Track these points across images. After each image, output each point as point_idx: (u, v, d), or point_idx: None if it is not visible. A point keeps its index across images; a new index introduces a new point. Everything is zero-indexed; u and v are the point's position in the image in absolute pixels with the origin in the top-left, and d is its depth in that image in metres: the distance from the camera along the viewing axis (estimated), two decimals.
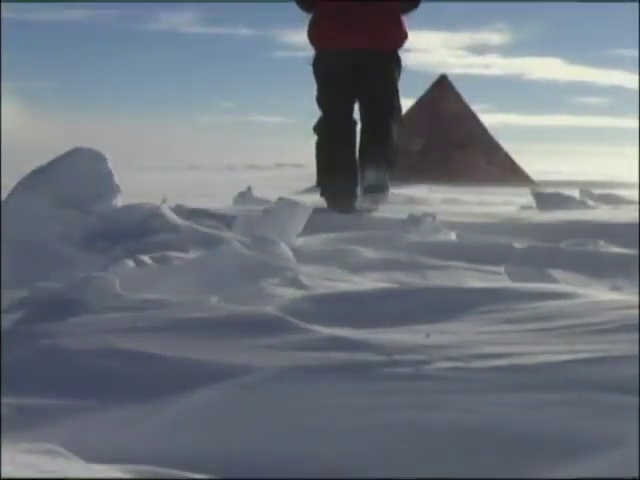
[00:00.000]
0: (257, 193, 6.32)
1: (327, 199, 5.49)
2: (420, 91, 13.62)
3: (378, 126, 5.47)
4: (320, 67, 5.50)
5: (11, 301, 2.31)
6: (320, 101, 5.56)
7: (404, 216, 4.48)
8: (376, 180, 5.35)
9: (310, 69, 5.64)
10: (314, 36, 5.50)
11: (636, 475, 1.23)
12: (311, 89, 5.71)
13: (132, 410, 1.57)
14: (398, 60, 5.58)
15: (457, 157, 12.92)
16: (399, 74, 5.59)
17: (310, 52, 5.68)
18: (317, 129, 5.57)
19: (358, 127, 5.56)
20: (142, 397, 1.62)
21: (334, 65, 5.41)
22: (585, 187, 7.76)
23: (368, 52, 5.37)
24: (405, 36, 5.54)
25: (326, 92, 5.51)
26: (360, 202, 5.43)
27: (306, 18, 5.61)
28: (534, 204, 6.70)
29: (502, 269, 3.22)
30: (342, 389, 1.57)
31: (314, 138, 5.58)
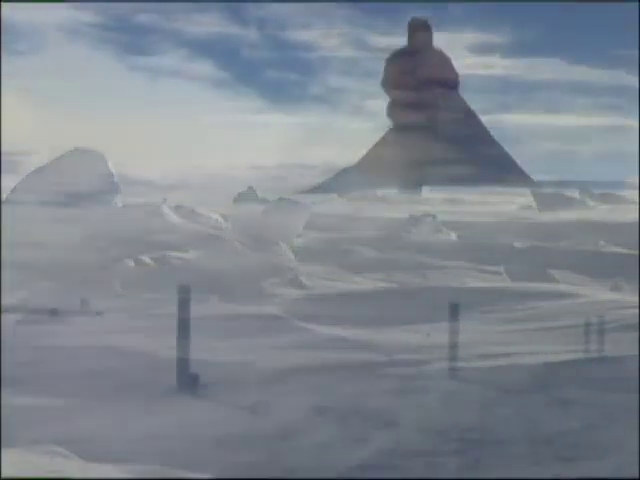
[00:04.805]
0: (257, 193, 6.36)
1: None
2: None
3: None
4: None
5: (11, 301, 2.31)
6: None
7: (404, 216, 4.50)
8: None
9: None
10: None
11: (636, 475, 1.23)
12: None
13: (132, 410, 1.58)
14: None
15: (457, 157, 12.96)
16: None
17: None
18: None
19: None
20: (142, 397, 1.62)
21: None
22: (585, 187, 7.79)
23: None
24: None
25: None
26: None
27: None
28: (534, 204, 6.73)
29: (502, 269, 3.22)
30: (342, 389, 1.57)
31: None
